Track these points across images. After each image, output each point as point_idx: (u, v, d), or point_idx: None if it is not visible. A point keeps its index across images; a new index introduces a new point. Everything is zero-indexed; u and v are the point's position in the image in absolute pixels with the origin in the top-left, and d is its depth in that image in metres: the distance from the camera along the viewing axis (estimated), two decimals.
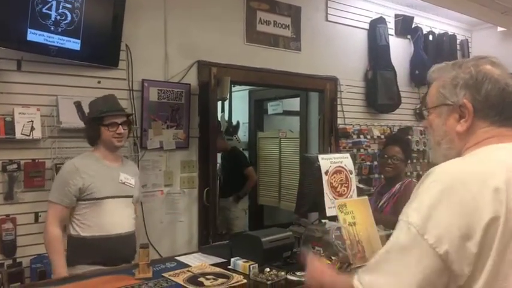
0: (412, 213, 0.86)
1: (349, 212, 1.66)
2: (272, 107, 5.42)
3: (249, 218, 5.56)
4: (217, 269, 1.59)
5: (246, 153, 5.63)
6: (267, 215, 5.50)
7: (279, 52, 3.90)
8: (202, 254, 1.82)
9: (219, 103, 5.48)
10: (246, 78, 3.68)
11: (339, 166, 1.85)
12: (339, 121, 4.33)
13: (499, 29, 5.07)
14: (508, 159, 0.91)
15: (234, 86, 5.60)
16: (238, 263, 1.59)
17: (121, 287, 1.42)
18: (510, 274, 0.83)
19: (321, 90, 4.05)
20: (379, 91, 4.47)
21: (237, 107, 5.61)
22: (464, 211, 0.82)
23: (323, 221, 1.79)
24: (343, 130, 4.31)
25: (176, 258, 1.77)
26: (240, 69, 3.56)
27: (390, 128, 4.71)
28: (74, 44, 2.68)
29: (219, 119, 5.34)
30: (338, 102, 4.32)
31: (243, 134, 5.58)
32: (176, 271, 1.55)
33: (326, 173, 1.80)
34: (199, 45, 3.41)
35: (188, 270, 1.56)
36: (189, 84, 3.33)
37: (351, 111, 4.42)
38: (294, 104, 5.02)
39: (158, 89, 3.18)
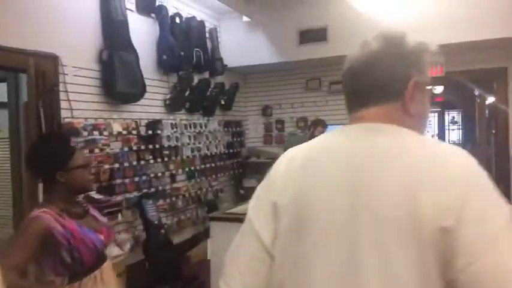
0: None
1: None
2: None
3: None
4: None
5: None
6: None
7: None
8: None
9: None
10: None
11: None
12: (64, 114, 3.25)
13: (244, 18, 4.96)
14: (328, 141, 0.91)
15: None
16: None
17: None
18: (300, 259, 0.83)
19: (23, 70, 2.84)
20: (118, 76, 3.60)
21: None
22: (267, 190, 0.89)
23: None
24: (70, 126, 3.26)
25: None
26: None
27: (136, 122, 3.92)
28: None
29: None
30: (62, 89, 3.24)
31: None
32: None
33: None
34: None
35: None
36: None
37: (81, 101, 3.40)
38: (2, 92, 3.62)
39: None
